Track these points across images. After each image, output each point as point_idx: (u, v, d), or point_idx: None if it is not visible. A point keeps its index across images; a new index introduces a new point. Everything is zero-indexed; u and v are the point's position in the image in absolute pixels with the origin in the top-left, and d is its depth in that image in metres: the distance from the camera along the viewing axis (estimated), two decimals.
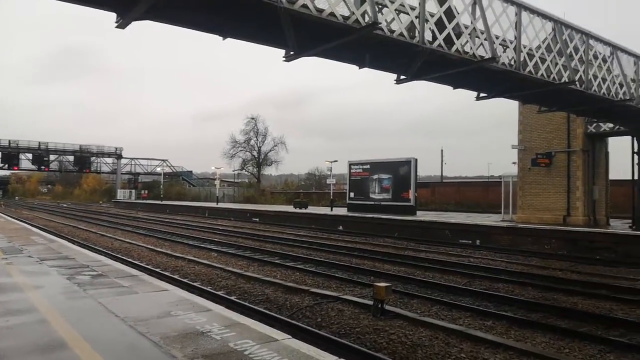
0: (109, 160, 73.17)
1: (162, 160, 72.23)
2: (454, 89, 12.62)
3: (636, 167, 19.40)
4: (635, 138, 19.38)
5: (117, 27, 7.89)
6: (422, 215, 25.90)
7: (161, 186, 61.11)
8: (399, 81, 11.44)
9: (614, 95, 13.65)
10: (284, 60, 9.34)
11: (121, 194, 68.66)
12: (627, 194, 21.13)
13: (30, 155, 66.40)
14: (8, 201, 75.34)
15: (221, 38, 9.00)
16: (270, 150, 63.33)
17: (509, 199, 23.35)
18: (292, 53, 9.14)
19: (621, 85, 13.86)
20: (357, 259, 14.48)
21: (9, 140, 64.53)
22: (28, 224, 23.23)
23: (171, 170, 73.61)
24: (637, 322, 7.78)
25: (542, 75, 11.42)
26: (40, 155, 66.75)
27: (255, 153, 63.56)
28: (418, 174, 29.28)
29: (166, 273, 11.61)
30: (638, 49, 15.37)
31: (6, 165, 65.71)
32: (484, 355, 6.08)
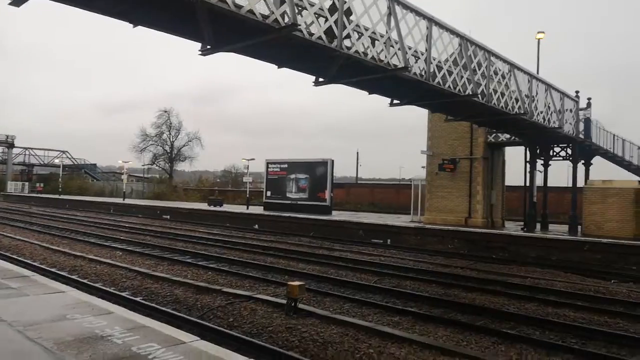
0: None
1: (62, 151, 66.46)
2: (369, 94, 13.05)
3: (528, 174, 21.44)
4: (527, 148, 21.42)
5: (10, 4, 7.11)
6: (337, 215, 26.47)
7: (60, 179, 56.24)
8: (317, 83, 11.60)
9: (510, 108, 14.94)
10: (200, 54, 9.04)
11: (12, 187, 62.15)
12: (520, 199, 23.28)
13: None
14: None
15: (131, 25, 8.48)
16: (184, 146, 61.12)
17: (418, 201, 24.65)
18: (208, 47, 8.88)
19: (517, 100, 15.22)
20: (272, 258, 14.43)
21: None
22: None
23: (72, 163, 68.02)
24: (525, 315, 8.57)
25: (449, 86, 12.19)
26: None
27: (167, 148, 60.95)
28: (334, 174, 29.87)
29: (63, 273, 10.72)
30: (532, 68, 17.02)
31: None
32: (391, 350, 6.34)
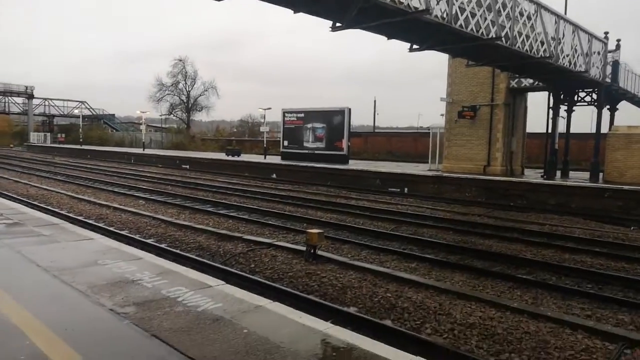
0: (19, 100, 66.48)
1: (81, 101, 66.95)
2: (388, 39, 12.65)
3: (550, 121, 20.94)
4: (551, 94, 20.77)
5: None
6: (355, 164, 26.50)
7: (80, 130, 57.02)
8: (334, 28, 11.27)
9: (535, 52, 14.38)
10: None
11: (34, 137, 63.37)
12: (541, 146, 22.88)
13: None
14: None
15: None
16: (201, 95, 60.93)
17: (436, 150, 24.44)
18: None
19: (542, 43, 14.60)
20: (291, 207, 14.67)
21: None
22: None
23: (91, 113, 68.64)
24: (542, 261, 8.67)
25: (471, 29, 11.72)
26: None
27: (184, 97, 60.86)
28: (351, 123, 29.61)
29: (90, 221, 11.11)
30: (559, 8, 16.19)
31: None
32: (408, 294, 6.53)
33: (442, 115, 24.77)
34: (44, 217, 8.41)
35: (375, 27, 11.68)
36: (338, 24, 11.18)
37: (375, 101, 60.89)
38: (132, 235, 9.77)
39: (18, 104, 66.84)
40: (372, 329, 5.28)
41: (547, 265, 8.42)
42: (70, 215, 11.83)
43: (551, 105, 20.84)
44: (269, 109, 34.53)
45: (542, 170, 21.40)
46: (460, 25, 11.30)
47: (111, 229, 10.37)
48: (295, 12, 10.61)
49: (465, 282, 7.38)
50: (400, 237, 10.42)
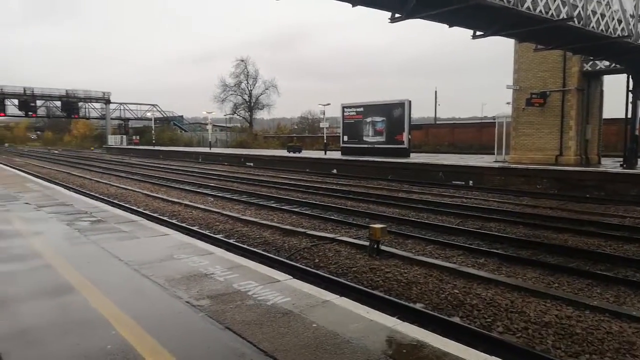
0: (97, 105, 71.57)
1: (152, 105, 70.84)
2: (449, 27, 12.28)
3: (630, 105, 19.37)
4: (630, 76, 19.20)
5: None
6: (416, 157, 26.02)
7: (152, 131, 60.34)
8: (393, 19, 11.10)
9: (611, 31, 13.36)
10: None
11: (112, 140, 67.88)
12: (620, 133, 21.25)
13: (16, 101, 64.71)
14: None
15: None
16: (262, 94, 62.39)
17: (502, 140, 23.41)
18: None
19: (619, 21, 13.54)
20: (352, 202, 14.69)
21: None
22: (21, 170, 23.11)
23: (161, 115, 72.41)
24: (623, 257, 8.09)
25: (540, 11, 11.10)
26: (27, 100, 65.00)
27: (246, 97, 62.59)
28: (411, 115, 29.07)
29: (164, 218, 11.74)
30: None
31: None
32: (477, 290, 6.34)
33: (508, 103, 23.75)
34: (123, 215, 9.01)
35: (436, 16, 11.37)
36: (397, 15, 11.01)
37: (436, 92, 59.23)
38: (203, 231, 10.21)
39: (97, 109, 71.97)
40: (440, 326, 5.19)
41: (630, 262, 7.84)
42: (147, 212, 12.56)
43: (630, 88, 19.25)
44: (328, 104, 34.71)
45: (621, 159, 19.87)
46: (528, 8, 10.74)
47: (184, 225, 10.90)
48: (353, 6, 10.57)
49: (539, 278, 7.04)
50: (466, 232, 10.12)
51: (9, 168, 24.24)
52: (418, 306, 5.99)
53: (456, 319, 5.60)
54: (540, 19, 11.40)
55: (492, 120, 27.91)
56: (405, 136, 27.20)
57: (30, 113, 67.97)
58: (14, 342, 3.22)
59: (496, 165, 20.56)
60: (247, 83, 61.90)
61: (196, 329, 3.46)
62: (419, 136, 39.62)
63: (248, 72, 61.37)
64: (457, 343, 3.38)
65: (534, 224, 10.99)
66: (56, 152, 61.90)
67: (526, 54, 21.14)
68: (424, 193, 16.88)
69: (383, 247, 8.17)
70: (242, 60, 61.04)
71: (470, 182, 19.56)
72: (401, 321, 3.82)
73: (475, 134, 37.83)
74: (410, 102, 27.30)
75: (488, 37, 13.20)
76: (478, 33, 12.94)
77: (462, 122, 54.84)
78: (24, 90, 65.14)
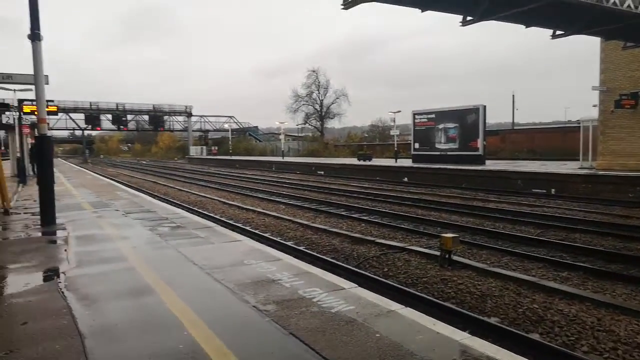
0: (180, 118, 76.53)
1: (229, 116, 74.43)
2: (526, 27, 11.68)
3: None
4: None
5: None
6: (492, 165, 24.91)
7: (230, 142, 63.14)
8: (464, 23, 10.77)
9: None
10: (342, 8, 9.08)
11: (193, 151, 72.00)
12: None
13: (109, 116, 70.90)
14: (94, 159, 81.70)
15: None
16: (332, 103, 63.18)
17: (589, 145, 21.73)
18: (350, 0, 8.85)
19: None
20: (423, 210, 14.34)
21: (90, 103, 69.12)
22: (113, 180, 25.14)
23: (238, 126, 75.71)
24: None
25: (628, 6, 10.21)
26: (119, 115, 71.03)
27: (317, 106, 63.68)
28: (486, 121, 27.93)
29: (238, 224, 12.19)
30: None
31: (90, 126, 70.82)
32: (559, 306, 5.91)
33: (594, 106, 22.00)
34: (201, 221, 9.48)
35: (510, 17, 10.88)
36: (469, 18, 10.68)
37: (513, 96, 56.47)
38: (274, 238, 10.46)
39: (179, 121, 76.85)
40: (517, 343, 4.89)
41: None
42: (222, 219, 13.12)
43: None
44: (399, 112, 34.34)
45: None
46: (614, 3, 9.93)
47: (256, 231, 11.24)
48: (422, 11, 10.41)
49: (631, 295, 6.42)
50: (548, 243, 9.48)
51: (103, 178, 26.46)
52: (492, 320, 5.70)
53: (535, 336, 5.25)
54: (628, 15, 10.50)
55: (577, 125, 26.06)
56: (479, 142, 26.16)
57: (121, 127, 74.16)
58: (98, 338, 3.49)
59: (582, 172, 19.12)
60: (318, 93, 63.03)
61: (261, 333, 3.55)
62: (495, 142, 37.92)
63: (319, 82, 62.51)
64: None
65: (626, 236, 10.06)
66: (144, 162, 66.70)
67: (614, 53, 19.54)
68: (500, 202, 16.09)
69: (455, 258, 7.88)
70: (314, 71, 62.32)
71: (552, 190, 18.34)
72: (471, 335, 3.65)
73: (558, 139, 35.49)
74: (484, 107, 26.24)
75: (570, 37, 12.39)
76: (558, 32, 12.19)
77: (543, 126, 51.71)
78: (117, 106, 71.17)
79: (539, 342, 5.01)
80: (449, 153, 27.54)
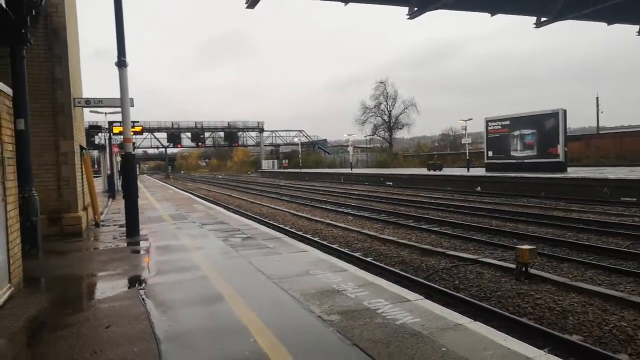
0: (253, 134, 79.55)
1: (299, 130, 76.23)
2: (608, 24, 10.93)
3: None
4: None
5: (247, 7, 8.39)
6: (574, 172, 23.28)
7: (299, 155, 64.46)
8: (538, 24, 10.32)
9: None
10: (408, 18, 9.05)
11: (265, 165, 74.37)
12: None
13: (189, 134, 75.36)
14: (175, 175, 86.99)
15: (343, 4, 9.01)
16: (401, 114, 62.51)
17: None
18: (415, 9, 8.79)
19: None
20: (497, 221, 13.69)
21: (172, 122, 73.91)
22: (191, 194, 26.58)
23: (307, 140, 77.20)
24: None
25: None
26: (197, 133, 75.32)
27: (385, 117, 63.27)
28: (568, 126, 26.22)
29: (307, 235, 12.36)
30: None
31: (171, 144, 75.73)
32: None
33: None
34: (270, 232, 9.75)
35: (589, 15, 10.26)
36: (543, 19, 10.21)
37: (597, 98, 52.29)
38: (342, 249, 10.48)
39: (252, 137, 79.89)
40: None
41: None
42: (292, 230, 13.39)
43: None
44: (470, 119, 33.28)
45: None
46: None
47: (324, 242, 11.34)
48: (492, 15, 10.11)
49: None
50: (639, 256, 8.66)
51: (182, 192, 28.05)
52: (574, 338, 5.29)
53: (624, 357, 4.81)
54: None
55: None
56: (560, 149, 24.58)
57: (200, 144, 78.51)
58: (172, 343, 3.70)
59: None
60: (387, 104, 62.69)
61: (325, 343, 3.57)
62: (578, 148, 35.44)
63: (387, 93, 62.20)
64: None
65: None
66: (220, 177, 69.90)
67: None
68: (584, 211, 14.97)
69: (532, 271, 7.43)
70: (382, 82, 62.15)
71: None
72: (547, 352, 3.43)
73: None
74: (565, 111, 24.64)
75: None
76: None
77: (634, 130, 47.50)
78: (195, 125, 75.48)
79: None
80: (526, 161, 26.14)
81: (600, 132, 46.65)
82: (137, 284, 5.60)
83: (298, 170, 56.94)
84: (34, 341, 3.90)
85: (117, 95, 9.48)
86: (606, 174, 20.91)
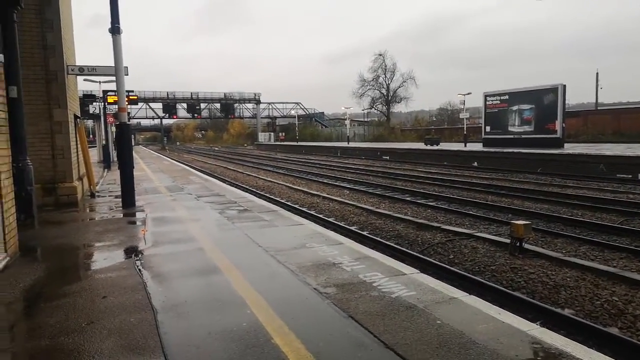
0: (249, 105, 78.77)
1: (296, 103, 75.44)
2: None
3: None
4: None
5: None
6: (571, 148, 23.31)
7: (296, 128, 64.09)
8: None
9: None
10: None
11: (262, 137, 73.99)
12: None
13: (185, 105, 74.58)
14: (171, 146, 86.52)
15: None
16: (399, 87, 61.86)
17: None
18: None
19: None
20: (493, 196, 13.74)
21: (167, 92, 73.00)
22: (187, 165, 26.47)
23: (304, 113, 76.57)
24: None
25: None
26: (193, 104, 74.54)
27: (383, 91, 62.66)
28: (567, 102, 26.08)
29: (303, 209, 12.38)
30: None
31: (167, 115, 75.01)
32: None
33: None
34: (266, 205, 9.74)
35: None
36: None
37: (597, 74, 51.83)
38: (338, 222, 10.52)
39: (249, 109, 79.12)
40: (592, 337, 4.59)
41: None
42: (288, 203, 13.40)
43: None
44: (469, 94, 33.03)
45: None
46: None
47: (320, 216, 11.36)
48: None
49: None
50: (632, 232, 8.73)
51: (178, 163, 27.93)
52: (566, 312, 5.37)
53: (614, 330, 4.89)
54: None
55: None
56: (558, 125, 24.52)
57: (196, 115, 77.75)
58: (169, 313, 3.71)
59: None
60: (385, 77, 61.96)
61: (321, 315, 3.60)
62: (575, 124, 35.38)
63: (386, 66, 61.43)
64: (609, 358, 2.95)
65: None
66: (216, 149, 69.58)
67: None
68: (579, 187, 15.04)
69: (527, 246, 7.50)
70: (380, 55, 61.30)
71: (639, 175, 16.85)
72: (539, 326, 3.47)
73: None
74: (564, 86, 24.49)
75: None
76: None
77: (632, 106, 47.36)
78: (191, 95, 74.58)
79: (618, 337, 4.66)
80: (523, 136, 26.11)
81: (599, 108, 46.49)
82: (133, 255, 5.61)
83: (295, 143, 56.71)
84: (31, 310, 3.91)
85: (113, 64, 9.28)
86: (603, 150, 20.94)
